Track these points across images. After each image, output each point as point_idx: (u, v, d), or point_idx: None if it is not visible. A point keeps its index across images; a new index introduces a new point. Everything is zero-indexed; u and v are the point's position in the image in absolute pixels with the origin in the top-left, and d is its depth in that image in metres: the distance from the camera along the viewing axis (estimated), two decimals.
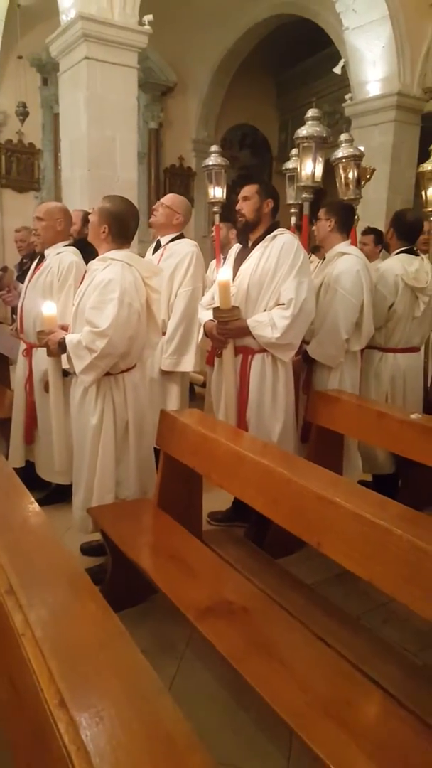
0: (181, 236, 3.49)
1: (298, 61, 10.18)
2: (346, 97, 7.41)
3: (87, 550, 2.87)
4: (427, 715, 1.64)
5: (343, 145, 3.36)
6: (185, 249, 3.40)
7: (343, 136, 3.46)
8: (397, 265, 3.31)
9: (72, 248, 3.27)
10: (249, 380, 2.85)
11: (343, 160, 3.33)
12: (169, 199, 3.48)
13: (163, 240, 3.46)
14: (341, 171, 3.36)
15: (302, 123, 3.26)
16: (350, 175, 3.32)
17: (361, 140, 7.18)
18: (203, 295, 3.35)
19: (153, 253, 3.51)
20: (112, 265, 2.48)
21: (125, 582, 2.42)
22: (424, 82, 7.36)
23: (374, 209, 6.95)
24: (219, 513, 3.24)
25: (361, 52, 7.26)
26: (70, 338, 2.49)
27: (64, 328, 2.66)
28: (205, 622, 1.81)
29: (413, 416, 2.75)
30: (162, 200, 3.48)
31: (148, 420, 2.71)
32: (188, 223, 3.57)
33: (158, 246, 3.49)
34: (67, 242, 3.31)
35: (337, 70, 7.59)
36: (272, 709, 1.47)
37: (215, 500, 3.11)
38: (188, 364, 3.43)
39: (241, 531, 3.00)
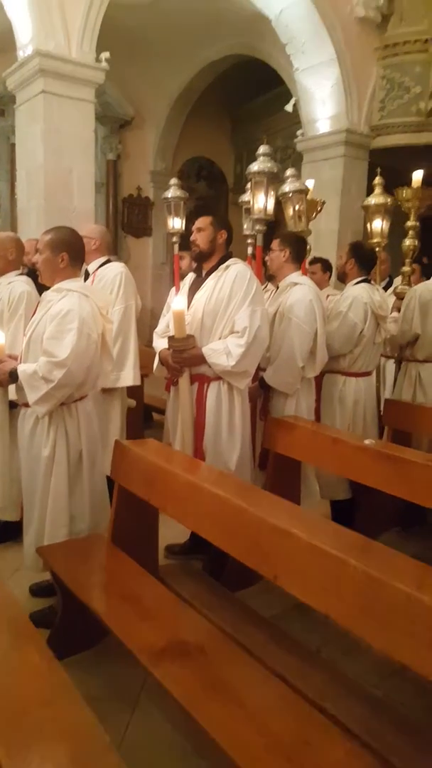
0: (108, 261, 3.53)
1: (252, 98, 10.49)
2: (298, 133, 7.66)
3: (37, 590, 2.74)
4: (390, 754, 1.60)
5: (290, 180, 3.46)
6: (114, 271, 3.45)
7: (289, 171, 3.57)
8: (364, 293, 3.41)
9: (24, 278, 3.23)
10: (205, 408, 2.83)
11: (290, 194, 3.42)
12: (82, 229, 3.53)
13: (91, 267, 3.48)
14: (289, 204, 3.44)
15: (256, 157, 3.34)
16: (297, 208, 3.40)
17: (313, 174, 7.40)
18: (136, 312, 3.37)
19: (83, 282, 3.51)
20: (69, 296, 2.45)
21: (76, 624, 2.31)
22: (370, 120, 7.68)
23: (326, 240, 7.13)
24: (177, 546, 3.17)
25: (311, 92, 7.53)
26: (24, 368, 2.43)
27: (13, 358, 2.60)
28: (160, 666, 1.73)
29: (367, 442, 2.77)
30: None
31: (100, 448, 2.65)
32: (109, 244, 3.63)
33: (87, 275, 3.50)
34: (19, 272, 3.26)
35: (289, 108, 7.84)
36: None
37: (174, 531, 3.04)
38: (128, 378, 3.42)
39: (200, 564, 2.94)
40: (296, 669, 2.02)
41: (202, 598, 2.39)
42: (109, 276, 3.43)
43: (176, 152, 10.36)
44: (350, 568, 1.55)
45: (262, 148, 3.11)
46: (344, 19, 7.11)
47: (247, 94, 10.34)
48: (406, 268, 3.74)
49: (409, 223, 3.68)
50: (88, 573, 2.27)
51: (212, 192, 11.30)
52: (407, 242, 3.70)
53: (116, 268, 3.49)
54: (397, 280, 4.47)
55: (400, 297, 3.67)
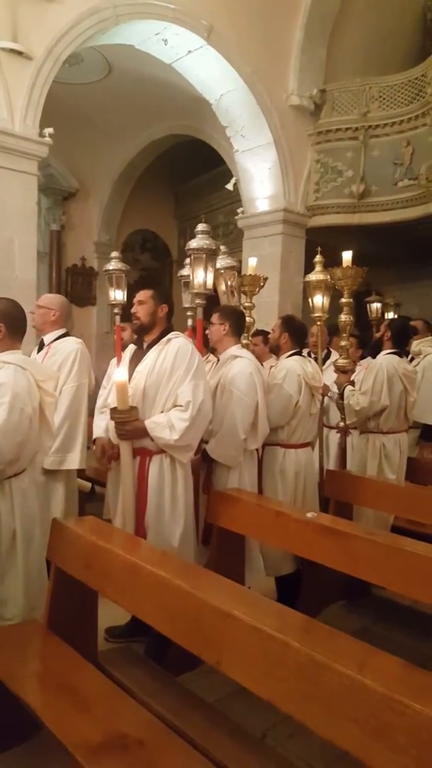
0: (66, 334, 3.51)
1: (194, 175, 11.02)
2: (239, 210, 8.04)
3: None
4: None
5: (221, 256, 3.61)
6: (70, 347, 3.41)
7: (222, 248, 3.72)
8: (297, 365, 3.50)
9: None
10: (147, 483, 2.80)
11: (222, 271, 3.56)
12: (43, 299, 3.56)
13: (47, 339, 3.47)
14: (221, 280, 3.58)
15: (195, 234, 3.47)
16: (229, 284, 3.54)
17: (253, 250, 7.76)
18: (89, 389, 3.35)
19: (38, 352, 3.49)
20: (5, 369, 2.42)
21: (9, 718, 2.15)
22: (306, 200, 8.19)
23: (267, 312, 7.38)
24: (117, 628, 3.04)
25: (250, 172, 7.99)
26: None
27: None
28: (96, 763, 1.63)
29: (309, 515, 2.79)
30: (38, 302, 3.55)
31: (37, 528, 2.55)
32: (69, 315, 3.63)
33: (42, 345, 3.48)
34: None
35: (230, 186, 8.27)
36: None
37: (116, 611, 2.90)
38: (74, 461, 3.32)
39: (142, 646, 2.82)
40: (239, 757, 1.94)
41: (143, 684, 2.28)
42: (64, 351, 3.38)
43: (120, 224, 10.65)
44: (292, 651, 1.53)
45: (201, 226, 3.25)
46: (280, 106, 7.68)
47: (191, 171, 10.86)
48: (343, 343, 3.89)
49: (344, 300, 3.85)
50: (22, 662, 2.14)
51: (157, 264, 11.60)
52: (343, 318, 3.87)
53: (72, 344, 3.44)
54: (336, 353, 4.65)
55: (342, 371, 3.81)
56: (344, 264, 3.72)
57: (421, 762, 1.27)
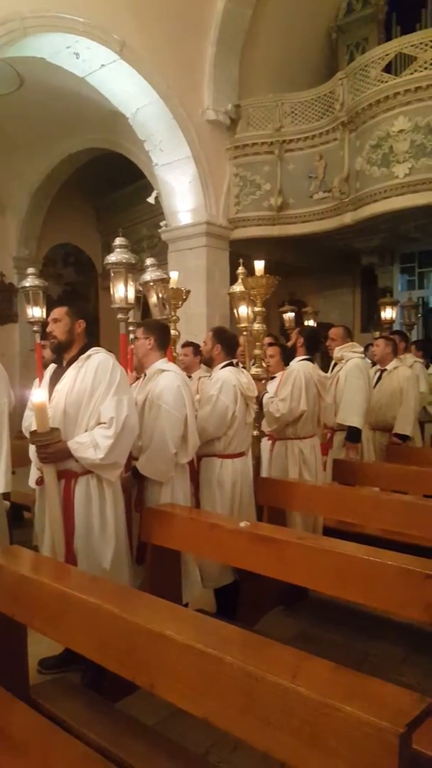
0: None
1: (116, 188, 10.96)
2: (162, 224, 8.06)
3: None
4: None
5: (150, 269, 3.59)
6: None
7: (148, 261, 3.71)
8: (232, 376, 3.51)
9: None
10: (74, 506, 2.71)
11: (151, 283, 3.54)
12: None
13: None
14: (152, 293, 3.56)
15: (113, 249, 3.42)
16: (160, 296, 3.53)
17: (179, 262, 7.80)
18: (9, 409, 3.20)
19: None
20: None
21: None
22: (227, 213, 8.32)
23: (196, 324, 7.44)
24: (52, 658, 2.93)
25: (171, 186, 8.04)
26: None
27: None
28: None
29: (242, 525, 2.80)
30: None
31: None
32: None
33: None
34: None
35: (151, 200, 8.29)
36: None
37: (49, 642, 2.81)
38: None
39: (79, 675, 2.73)
40: None
41: (79, 715, 2.20)
42: None
43: (41, 239, 10.45)
44: (226, 666, 1.52)
45: (118, 240, 3.21)
46: (196, 120, 7.80)
47: (112, 184, 10.81)
48: (257, 351, 3.94)
49: (257, 309, 3.90)
50: None
51: (81, 278, 11.44)
52: (257, 326, 3.91)
53: None
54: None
55: (258, 379, 3.85)
56: (257, 273, 3.76)
57: (353, 763, 1.29)
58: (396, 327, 7.56)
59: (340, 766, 1.30)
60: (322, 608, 3.69)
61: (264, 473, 4.24)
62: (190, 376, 5.01)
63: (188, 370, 5.13)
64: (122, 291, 3.13)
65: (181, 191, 8.03)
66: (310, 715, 1.36)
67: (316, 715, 1.35)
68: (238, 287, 4.37)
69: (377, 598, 2.34)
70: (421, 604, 2.17)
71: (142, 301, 3.76)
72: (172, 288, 4.08)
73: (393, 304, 7.41)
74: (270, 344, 4.94)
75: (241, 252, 6.50)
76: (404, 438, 5.13)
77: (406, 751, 1.24)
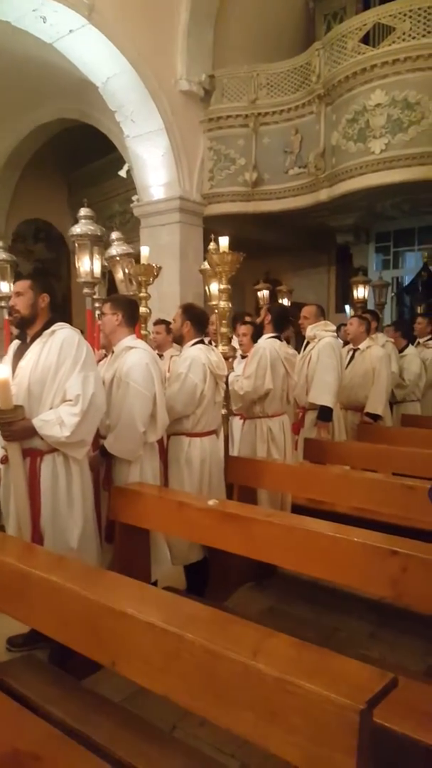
0: None
1: (87, 161, 10.68)
2: (133, 198, 7.89)
3: None
4: None
5: (116, 243, 3.48)
6: None
7: (114, 235, 3.59)
8: (202, 354, 3.46)
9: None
10: (39, 485, 2.67)
11: (117, 258, 3.44)
12: None
13: None
14: (118, 267, 3.46)
15: (78, 220, 3.30)
16: (127, 272, 3.43)
17: (151, 239, 7.66)
18: None
19: None
20: None
21: None
22: (201, 188, 8.17)
23: (168, 302, 7.33)
24: (20, 637, 2.90)
25: (143, 159, 7.86)
26: None
27: None
28: None
29: (210, 502, 2.79)
30: None
31: None
32: None
33: None
34: None
35: (122, 173, 8.10)
36: None
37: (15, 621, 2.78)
38: None
39: (47, 652, 2.71)
40: (147, 754, 1.91)
41: (45, 693, 2.18)
42: None
43: (10, 214, 10.17)
44: (187, 644, 1.51)
45: (83, 211, 3.11)
46: (169, 91, 7.59)
47: (83, 157, 10.53)
48: (224, 330, 3.88)
49: (222, 286, 3.81)
50: None
51: (52, 255, 11.19)
52: (222, 305, 3.83)
53: None
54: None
55: (225, 357, 3.80)
56: (221, 249, 3.68)
57: (314, 739, 1.29)
58: (369, 307, 7.57)
59: (300, 743, 1.30)
60: (291, 584, 3.73)
61: (234, 452, 4.24)
62: (161, 355, 4.96)
63: (160, 348, 5.08)
64: (87, 264, 3.04)
65: (153, 165, 7.85)
66: (271, 692, 1.36)
67: (277, 692, 1.35)
68: (209, 264, 4.30)
69: (343, 575, 2.35)
70: (387, 580, 2.18)
71: (107, 276, 3.68)
72: (143, 264, 3.99)
73: (365, 282, 7.42)
74: (242, 323, 4.90)
75: (215, 230, 6.40)
76: (375, 417, 5.16)
77: (366, 728, 1.24)
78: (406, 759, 1.99)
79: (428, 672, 2.83)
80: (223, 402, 3.76)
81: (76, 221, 3.37)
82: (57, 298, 2.84)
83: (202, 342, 3.60)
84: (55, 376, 2.66)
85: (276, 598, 3.63)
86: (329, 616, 3.36)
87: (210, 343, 3.75)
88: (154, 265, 4.21)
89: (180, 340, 3.73)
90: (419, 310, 8.23)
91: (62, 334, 2.71)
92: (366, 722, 1.26)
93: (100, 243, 3.16)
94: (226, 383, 3.79)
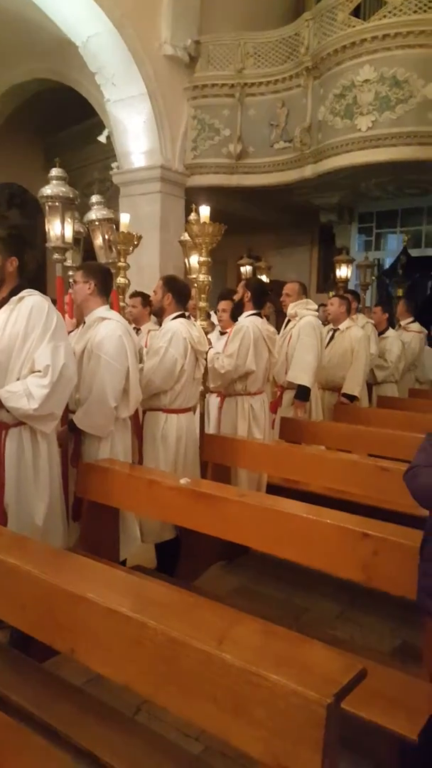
0: None
1: (66, 126, 10.30)
2: (113, 165, 7.63)
3: None
4: None
5: (95, 207, 3.30)
6: None
7: (94, 198, 3.41)
8: (183, 328, 3.34)
9: None
10: (4, 460, 2.55)
11: (97, 222, 3.26)
12: None
13: None
14: (97, 233, 3.29)
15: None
16: (107, 238, 3.26)
17: (131, 208, 7.40)
18: None
19: None
20: None
21: None
22: (184, 158, 7.94)
23: (148, 275, 7.15)
24: None
25: (123, 124, 7.59)
26: None
27: None
28: None
29: (182, 481, 2.71)
30: None
31: None
32: None
33: None
34: None
35: (102, 139, 7.82)
36: None
37: None
38: None
39: (7, 635, 2.62)
40: (108, 739, 1.85)
41: (3, 677, 2.11)
42: None
43: None
44: (149, 631, 1.43)
45: (54, 171, 2.91)
46: (153, 55, 7.31)
47: (63, 121, 10.15)
48: (203, 304, 3.75)
49: (201, 259, 3.65)
50: None
51: (27, 221, 10.83)
52: (201, 278, 3.69)
53: None
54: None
55: (204, 332, 3.68)
56: (202, 219, 3.52)
57: (278, 733, 1.23)
58: (351, 287, 7.49)
59: (263, 737, 1.24)
60: (262, 564, 3.69)
61: (212, 430, 4.16)
62: (138, 329, 4.82)
63: (137, 322, 4.92)
64: (58, 228, 2.87)
65: (134, 131, 7.59)
66: (235, 683, 1.29)
67: (241, 683, 1.28)
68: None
69: (315, 558, 2.30)
70: (358, 564, 2.14)
71: (82, 243, 3.51)
72: (123, 233, 3.83)
73: (348, 262, 7.32)
74: (223, 298, 4.78)
75: (197, 202, 6.23)
76: (352, 398, 5.12)
77: (333, 722, 1.18)
78: (371, 745, 1.96)
79: (395, 653, 2.82)
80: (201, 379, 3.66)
81: None
82: (28, 264, 2.67)
83: (183, 316, 3.48)
84: (23, 345, 2.51)
85: (247, 577, 3.59)
86: (300, 596, 3.34)
87: (190, 317, 3.63)
88: (134, 233, 4.04)
89: (160, 313, 3.60)
90: (399, 293, 8.18)
91: (31, 300, 2.56)
92: (333, 716, 1.19)
93: (73, 206, 2.98)
94: (206, 360, 3.69)
